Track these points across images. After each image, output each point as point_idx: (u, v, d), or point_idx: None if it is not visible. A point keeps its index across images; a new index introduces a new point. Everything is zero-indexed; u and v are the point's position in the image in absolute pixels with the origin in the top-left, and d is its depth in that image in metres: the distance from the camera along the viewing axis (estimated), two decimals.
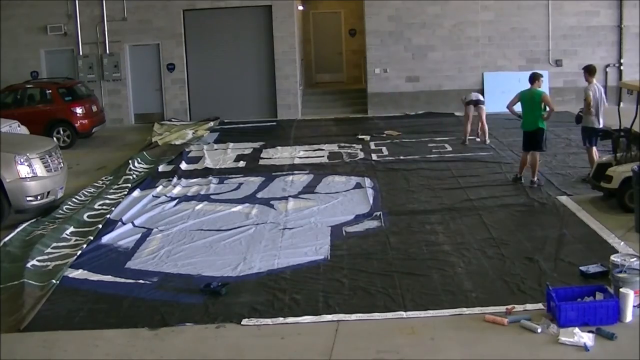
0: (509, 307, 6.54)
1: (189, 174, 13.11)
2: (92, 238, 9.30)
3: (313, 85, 23.48)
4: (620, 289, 6.33)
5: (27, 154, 10.31)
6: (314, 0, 23.51)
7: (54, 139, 14.66)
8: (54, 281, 7.77)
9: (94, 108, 17.51)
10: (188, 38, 19.93)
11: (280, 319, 6.66)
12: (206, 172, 13.21)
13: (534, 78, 11.02)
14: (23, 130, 13.89)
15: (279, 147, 15.35)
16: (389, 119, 18.78)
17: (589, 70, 11.08)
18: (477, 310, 6.62)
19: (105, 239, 9.37)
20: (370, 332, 6.32)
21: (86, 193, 11.87)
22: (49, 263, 8.46)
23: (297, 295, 7.20)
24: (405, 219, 9.74)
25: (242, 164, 13.99)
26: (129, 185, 12.14)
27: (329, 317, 6.64)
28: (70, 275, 8.06)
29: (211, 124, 18.71)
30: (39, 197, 10.35)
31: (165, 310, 6.95)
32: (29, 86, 17.62)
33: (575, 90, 19.44)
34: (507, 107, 11.21)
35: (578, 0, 19.12)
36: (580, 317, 6.14)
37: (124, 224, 10.02)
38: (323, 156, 14.26)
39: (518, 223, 9.30)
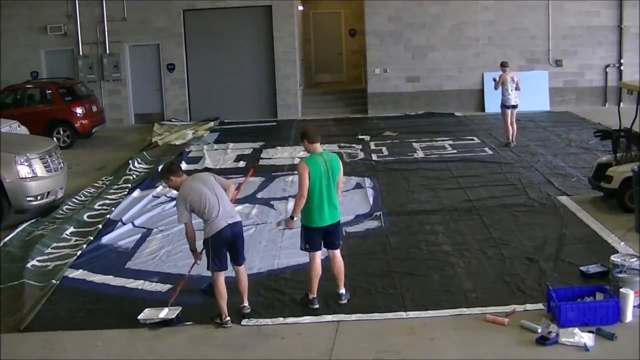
0: (510, 311, 6.51)
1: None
2: (92, 238, 9.30)
3: (313, 85, 23.48)
4: (620, 289, 6.33)
5: (27, 154, 10.31)
6: (314, 0, 23.50)
7: (54, 139, 14.65)
8: (54, 281, 7.77)
9: (94, 108, 17.52)
10: (188, 38, 19.92)
11: (280, 319, 6.67)
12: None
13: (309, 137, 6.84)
14: (23, 130, 13.89)
15: (279, 147, 15.35)
16: (389, 119, 18.78)
17: None
18: (477, 310, 6.62)
19: (105, 239, 9.37)
20: (370, 332, 6.32)
21: (86, 193, 11.87)
22: (49, 263, 8.47)
23: (297, 295, 7.19)
24: (405, 219, 9.74)
25: (242, 164, 13.99)
26: (129, 185, 12.13)
27: (329, 317, 6.64)
28: (70, 276, 8.07)
29: (211, 124, 18.71)
30: (39, 197, 10.35)
31: None
32: (29, 86, 17.64)
33: (575, 90, 19.49)
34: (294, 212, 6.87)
35: (578, 0, 19.11)
36: (580, 317, 6.14)
37: (124, 224, 10.03)
38: None
39: (518, 223, 9.29)
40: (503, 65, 14.47)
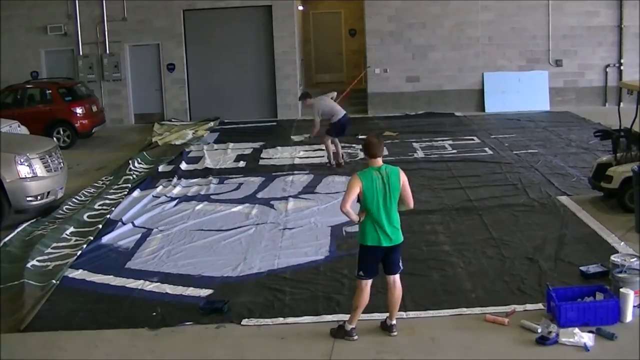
0: (510, 311, 6.52)
1: (189, 174, 13.11)
2: (92, 238, 9.29)
3: (313, 85, 23.46)
4: (620, 289, 6.33)
5: (27, 154, 10.31)
6: (314, 0, 23.50)
7: (54, 139, 14.64)
8: (54, 281, 7.77)
9: (94, 108, 17.51)
10: (188, 38, 19.92)
11: (280, 319, 6.66)
12: (206, 172, 13.20)
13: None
14: (23, 130, 13.89)
15: (279, 147, 15.34)
16: (389, 119, 18.78)
17: None
18: (477, 310, 6.62)
19: (105, 239, 9.36)
20: (370, 332, 6.32)
21: (86, 193, 11.87)
22: (49, 263, 8.46)
23: (297, 295, 7.20)
24: (405, 219, 9.64)
25: (242, 164, 13.98)
26: (129, 185, 12.13)
27: (329, 317, 6.64)
28: (70, 275, 8.06)
29: (211, 124, 18.70)
30: (39, 197, 10.35)
31: (166, 310, 6.95)
32: (29, 86, 17.62)
33: (575, 90, 19.49)
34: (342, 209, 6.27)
35: (578, 0, 19.12)
36: (580, 317, 6.14)
37: (124, 224, 10.02)
38: (323, 156, 14.23)
39: (518, 223, 9.29)
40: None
